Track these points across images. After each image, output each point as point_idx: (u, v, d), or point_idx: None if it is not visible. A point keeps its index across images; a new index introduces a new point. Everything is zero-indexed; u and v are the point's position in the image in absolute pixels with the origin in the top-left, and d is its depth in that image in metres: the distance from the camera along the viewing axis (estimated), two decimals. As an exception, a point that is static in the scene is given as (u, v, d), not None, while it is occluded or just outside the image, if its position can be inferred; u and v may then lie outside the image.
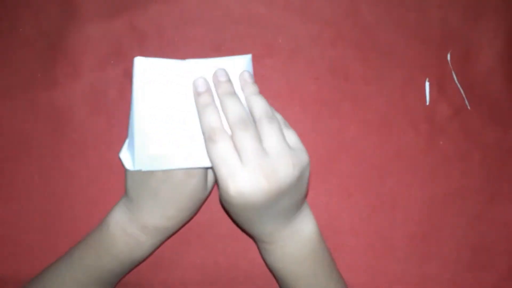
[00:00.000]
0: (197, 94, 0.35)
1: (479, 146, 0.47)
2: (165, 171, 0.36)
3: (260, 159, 0.31)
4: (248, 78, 0.36)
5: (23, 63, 0.47)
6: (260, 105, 0.34)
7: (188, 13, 0.47)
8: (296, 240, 0.38)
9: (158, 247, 0.42)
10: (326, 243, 0.46)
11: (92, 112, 0.46)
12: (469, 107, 0.48)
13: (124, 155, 0.37)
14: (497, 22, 0.49)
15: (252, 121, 0.34)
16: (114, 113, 0.46)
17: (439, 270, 0.46)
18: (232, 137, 0.33)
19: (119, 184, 0.45)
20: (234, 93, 0.35)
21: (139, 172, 0.37)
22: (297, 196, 0.35)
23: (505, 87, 0.48)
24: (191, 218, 0.42)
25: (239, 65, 0.37)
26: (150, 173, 0.37)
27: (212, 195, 0.45)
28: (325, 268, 0.40)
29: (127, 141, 0.38)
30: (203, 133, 0.34)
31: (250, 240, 0.45)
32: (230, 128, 0.33)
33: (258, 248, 0.41)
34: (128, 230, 0.39)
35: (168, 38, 0.47)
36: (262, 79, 0.47)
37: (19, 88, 0.47)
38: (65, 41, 0.47)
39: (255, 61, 0.47)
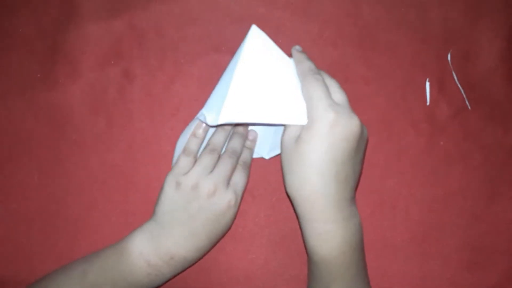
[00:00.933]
0: (298, 51, 0.39)
1: (480, 146, 0.47)
2: (210, 203, 0.38)
3: (349, 110, 0.36)
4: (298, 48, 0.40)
5: (23, 63, 0.47)
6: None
7: (188, 12, 0.47)
8: (355, 223, 0.36)
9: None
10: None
11: (91, 112, 0.46)
12: (469, 107, 0.48)
13: (207, 112, 0.38)
14: (497, 22, 0.49)
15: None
16: (113, 113, 0.46)
17: (440, 270, 0.46)
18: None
19: (118, 184, 0.45)
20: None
21: (183, 194, 0.38)
22: (361, 161, 0.38)
23: (505, 87, 0.48)
24: None
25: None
26: (193, 197, 0.38)
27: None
28: (364, 263, 0.39)
29: (206, 104, 0.39)
30: (305, 72, 0.36)
31: (250, 240, 0.45)
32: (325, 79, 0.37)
33: (310, 237, 0.36)
34: (152, 262, 0.38)
35: (168, 38, 0.47)
36: (262, 79, 0.47)
37: (18, 88, 0.47)
38: (64, 41, 0.47)
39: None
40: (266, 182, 0.46)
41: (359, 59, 0.47)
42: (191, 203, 0.38)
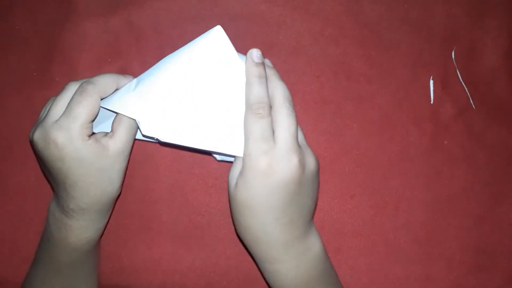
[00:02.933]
0: (253, 64, 0.34)
1: (484, 146, 0.47)
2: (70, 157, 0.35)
3: (295, 144, 0.33)
4: (268, 63, 0.37)
5: (19, 61, 0.47)
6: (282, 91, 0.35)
7: (186, 10, 0.47)
8: (310, 258, 0.36)
9: (102, 232, 0.41)
10: (328, 244, 0.46)
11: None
12: (473, 106, 0.47)
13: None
14: (501, 20, 0.48)
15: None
16: (111, 112, 0.46)
17: (443, 272, 0.45)
18: (273, 115, 0.34)
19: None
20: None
21: (49, 156, 0.35)
22: (312, 196, 0.36)
23: (510, 85, 0.48)
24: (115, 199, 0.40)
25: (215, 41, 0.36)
26: (60, 159, 0.34)
27: (210, 198, 0.45)
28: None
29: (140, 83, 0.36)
30: (250, 103, 0.33)
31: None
32: (277, 107, 0.34)
33: (264, 274, 0.38)
34: (56, 215, 0.38)
35: (167, 36, 0.47)
36: (263, 78, 0.46)
37: (15, 86, 0.47)
38: (61, 39, 0.47)
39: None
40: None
41: (361, 57, 0.47)
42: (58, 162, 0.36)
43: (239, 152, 0.34)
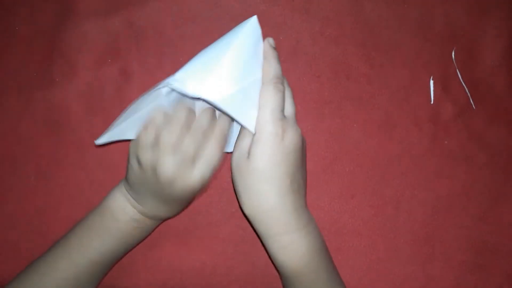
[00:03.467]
0: (271, 48, 0.38)
1: (484, 146, 0.47)
2: (173, 188, 0.36)
3: (294, 118, 0.37)
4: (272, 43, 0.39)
5: (19, 62, 0.47)
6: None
7: (186, 10, 0.47)
8: (315, 226, 0.37)
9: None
10: (328, 244, 0.45)
11: (88, 111, 0.46)
12: (474, 106, 0.47)
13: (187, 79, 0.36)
14: (501, 20, 0.48)
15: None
16: (111, 112, 0.46)
17: (443, 272, 0.45)
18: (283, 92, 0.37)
19: (116, 184, 0.45)
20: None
21: (146, 174, 0.36)
22: (305, 168, 0.39)
23: (510, 85, 0.48)
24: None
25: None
26: (155, 180, 0.36)
27: (210, 198, 0.45)
28: (333, 265, 0.39)
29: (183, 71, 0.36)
30: (271, 77, 0.37)
31: (250, 243, 0.45)
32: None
33: (276, 252, 0.36)
34: (136, 217, 0.39)
35: (167, 36, 0.47)
36: (263, 78, 0.46)
37: (15, 87, 0.47)
38: (61, 40, 0.47)
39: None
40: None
41: (361, 57, 0.47)
42: (156, 185, 0.36)
43: (251, 126, 0.36)
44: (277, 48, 0.47)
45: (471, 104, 0.47)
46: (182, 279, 0.44)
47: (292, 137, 0.35)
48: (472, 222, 0.46)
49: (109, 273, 0.45)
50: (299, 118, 0.46)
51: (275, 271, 0.44)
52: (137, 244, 0.42)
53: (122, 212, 0.39)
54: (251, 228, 0.45)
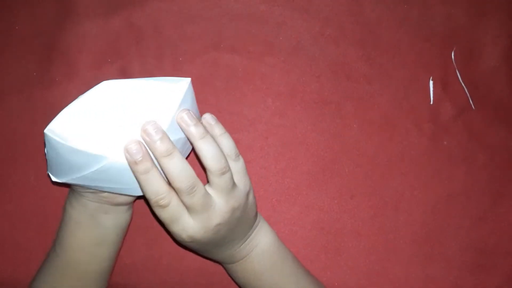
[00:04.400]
0: (134, 163, 0.32)
1: (484, 146, 0.47)
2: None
3: (206, 210, 0.33)
4: (212, 120, 0.35)
5: (19, 62, 0.47)
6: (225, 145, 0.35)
7: (187, 10, 0.47)
8: (254, 255, 0.39)
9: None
10: (328, 244, 0.45)
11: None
12: (473, 107, 0.47)
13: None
14: (501, 20, 0.48)
15: (196, 179, 0.33)
16: (111, 112, 0.46)
17: (442, 272, 0.45)
18: (178, 195, 0.33)
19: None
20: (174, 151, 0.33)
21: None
22: (246, 219, 0.37)
23: (509, 86, 0.48)
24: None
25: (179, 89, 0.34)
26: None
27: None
28: (287, 278, 0.40)
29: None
30: (149, 200, 0.33)
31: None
32: (176, 189, 0.33)
33: (225, 269, 0.42)
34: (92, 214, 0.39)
35: (167, 36, 0.47)
36: (263, 78, 0.46)
37: (15, 87, 0.46)
38: (61, 40, 0.46)
39: (255, 59, 0.46)
40: (267, 183, 0.45)
41: (361, 57, 0.47)
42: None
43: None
44: (276, 49, 0.47)
45: (471, 104, 0.47)
46: (182, 279, 0.44)
47: (195, 233, 0.34)
48: (471, 222, 0.46)
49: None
50: (300, 118, 0.46)
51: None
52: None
53: (100, 215, 0.39)
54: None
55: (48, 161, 0.35)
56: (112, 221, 0.40)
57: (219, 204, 0.34)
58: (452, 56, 0.48)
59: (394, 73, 0.47)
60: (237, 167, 0.35)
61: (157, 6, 0.47)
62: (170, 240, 0.44)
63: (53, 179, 0.35)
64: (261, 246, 0.39)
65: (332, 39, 0.47)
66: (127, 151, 0.32)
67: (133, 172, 0.32)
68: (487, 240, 0.46)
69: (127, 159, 0.32)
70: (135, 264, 0.45)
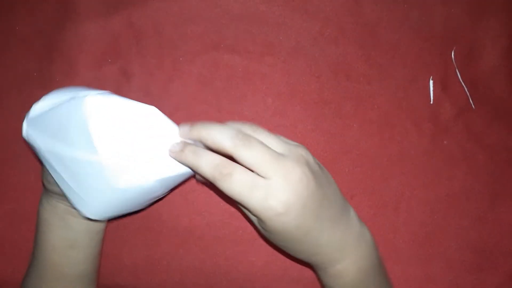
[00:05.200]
0: (178, 155, 0.31)
1: (484, 146, 0.47)
2: None
3: (281, 162, 0.29)
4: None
5: (19, 62, 0.47)
6: (237, 126, 0.31)
7: (187, 10, 0.47)
8: (365, 248, 0.34)
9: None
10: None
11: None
12: (473, 106, 0.47)
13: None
14: (501, 20, 0.48)
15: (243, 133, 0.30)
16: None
17: (442, 272, 0.45)
18: (240, 161, 0.30)
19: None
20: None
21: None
22: (330, 179, 0.33)
23: (509, 85, 0.48)
24: None
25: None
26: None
27: (210, 198, 0.45)
28: (386, 277, 0.37)
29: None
30: (211, 177, 0.30)
31: (250, 243, 0.45)
32: (232, 154, 0.30)
33: (324, 280, 0.36)
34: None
35: (167, 36, 0.46)
36: (262, 78, 0.46)
37: (15, 87, 0.46)
38: (61, 39, 0.46)
39: (255, 59, 0.46)
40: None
41: (361, 57, 0.47)
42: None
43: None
44: (276, 49, 0.47)
45: (471, 104, 0.47)
46: (182, 279, 0.44)
47: (286, 195, 0.29)
48: (471, 222, 0.46)
49: (109, 272, 0.45)
50: (300, 118, 0.46)
51: (274, 271, 0.45)
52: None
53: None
54: (251, 228, 0.45)
55: (42, 113, 0.33)
56: (83, 225, 0.39)
57: (289, 156, 0.29)
58: (452, 56, 0.48)
59: (394, 73, 0.47)
60: (275, 140, 0.32)
61: (157, 6, 0.47)
62: (170, 240, 0.45)
63: (24, 130, 0.34)
64: (367, 236, 0.35)
65: (332, 39, 0.47)
66: (170, 150, 0.31)
67: (183, 162, 0.31)
68: (487, 240, 0.46)
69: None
70: (135, 264, 0.45)
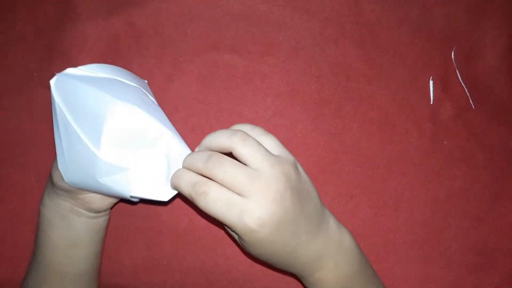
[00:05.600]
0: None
1: (483, 146, 0.47)
2: None
3: (257, 181, 0.30)
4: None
5: (20, 62, 0.47)
6: (226, 134, 0.32)
7: (187, 10, 0.47)
8: (345, 254, 0.34)
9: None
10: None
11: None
12: (473, 107, 0.47)
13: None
14: (501, 20, 0.48)
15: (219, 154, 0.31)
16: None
17: (442, 272, 0.45)
18: (216, 181, 0.30)
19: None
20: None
21: None
22: (309, 193, 0.33)
23: (509, 86, 0.48)
24: None
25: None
26: None
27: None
28: (372, 279, 0.37)
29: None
30: (188, 194, 0.31)
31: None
32: (209, 175, 0.31)
33: (306, 286, 0.36)
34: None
35: (167, 36, 0.46)
36: (263, 78, 0.46)
37: (15, 87, 0.46)
38: (62, 40, 0.46)
39: (255, 59, 0.46)
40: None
41: (361, 57, 0.47)
42: None
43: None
44: (276, 49, 0.47)
45: (471, 104, 0.47)
46: (182, 278, 0.44)
47: (258, 212, 0.29)
48: (471, 222, 0.46)
49: (109, 272, 0.45)
50: (300, 118, 0.46)
51: (274, 271, 0.44)
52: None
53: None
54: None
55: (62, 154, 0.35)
56: (85, 224, 0.39)
57: (266, 169, 0.30)
58: (452, 56, 0.48)
59: (394, 73, 0.47)
60: (270, 140, 0.33)
61: (157, 6, 0.47)
62: (170, 240, 0.44)
63: (55, 79, 0.35)
64: (348, 243, 0.35)
65: (332, 39, 0.47)
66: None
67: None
68: (487, 240, 0.46)
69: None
70: (135, 265, 0.45)
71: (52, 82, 0.34)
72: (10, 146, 0.46)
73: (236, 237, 0.32)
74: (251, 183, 0.29)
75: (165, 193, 0.34)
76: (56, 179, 0.37)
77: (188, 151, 0.34)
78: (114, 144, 0.33)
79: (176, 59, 0.46)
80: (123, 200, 0.42)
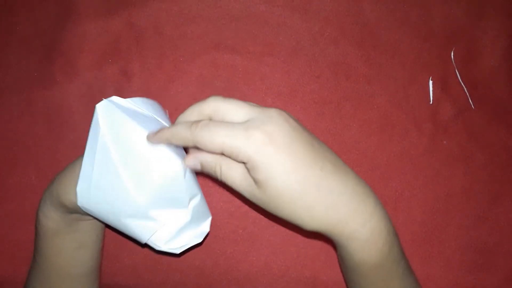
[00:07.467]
0: (155, 138, 0.32)
1: (483, 146, 0.47)
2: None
3: (252, 123, 0.28)
4: None
5: (20, 62, 0.47)
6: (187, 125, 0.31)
7: (187, 10, 0.47)
8: (381, 206, 0.31)
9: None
10: (328, 244, 0.45)
11: (89, 111, 0.45)
12: (473, 107, 0.47)
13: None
14: (500, 20, 0.48)
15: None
16: (111, 112, 0.46)
17: (442, 271, 0.45)
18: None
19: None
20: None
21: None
22: (316, 143, 0.30)
23: (509, 85, 0.48)
24: None
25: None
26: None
27: (211, 197, 0.45)
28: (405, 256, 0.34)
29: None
30: (189, 137, 0.30)
31: (250, 242, 0.45)
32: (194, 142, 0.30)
33: (348, 250, 0.31)
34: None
35: (167, 36, 0.47)
36: (263, 78, 0.46)
37: (15, 87, 0.46)
38: (62, 40, 0.46)
39: (255, 59, 0.46)
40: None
41: (360, 57, 0.47)
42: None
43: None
44: (276, 49, 0.47)
45: (470, 104, 0.47)
46: (182, 279, 0.44)
47: (275, 126, 0.27)
48: (471, 222, 0.46)
49: (110, 272, 0.45)
50: (300, 118, 0.46)
51: (274, 271, 0.44)
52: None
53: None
54: (251, 228, 0.45)
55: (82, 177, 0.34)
56: (91, 224, 0.40)
57: (254, 118, 0.28)
58: (452, 56, 0.48)
59: (394, 73, 0.47)
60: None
61: (157, 6, 0.47)
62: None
63: (102, 104, 0.34)
64: (379, 209, 0.30)
65: (332, 39, 0.47)
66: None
67: (161, 138, 0.32)
68: (486, 240, 0.46)
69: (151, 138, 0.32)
70: (135, 264, 0.45)
71: (99, 106, 0.33)
72: (11, 146, 0.46)
73: (248, 184, 0.29)
74: (252, 109, 0.29)
75: (180, 248, 0.35)
76: (66, 197, 0.36)
77: (209, 213, 0.37)
78: (155, 196, 0.33)
79: (176, 59, 0.46)
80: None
